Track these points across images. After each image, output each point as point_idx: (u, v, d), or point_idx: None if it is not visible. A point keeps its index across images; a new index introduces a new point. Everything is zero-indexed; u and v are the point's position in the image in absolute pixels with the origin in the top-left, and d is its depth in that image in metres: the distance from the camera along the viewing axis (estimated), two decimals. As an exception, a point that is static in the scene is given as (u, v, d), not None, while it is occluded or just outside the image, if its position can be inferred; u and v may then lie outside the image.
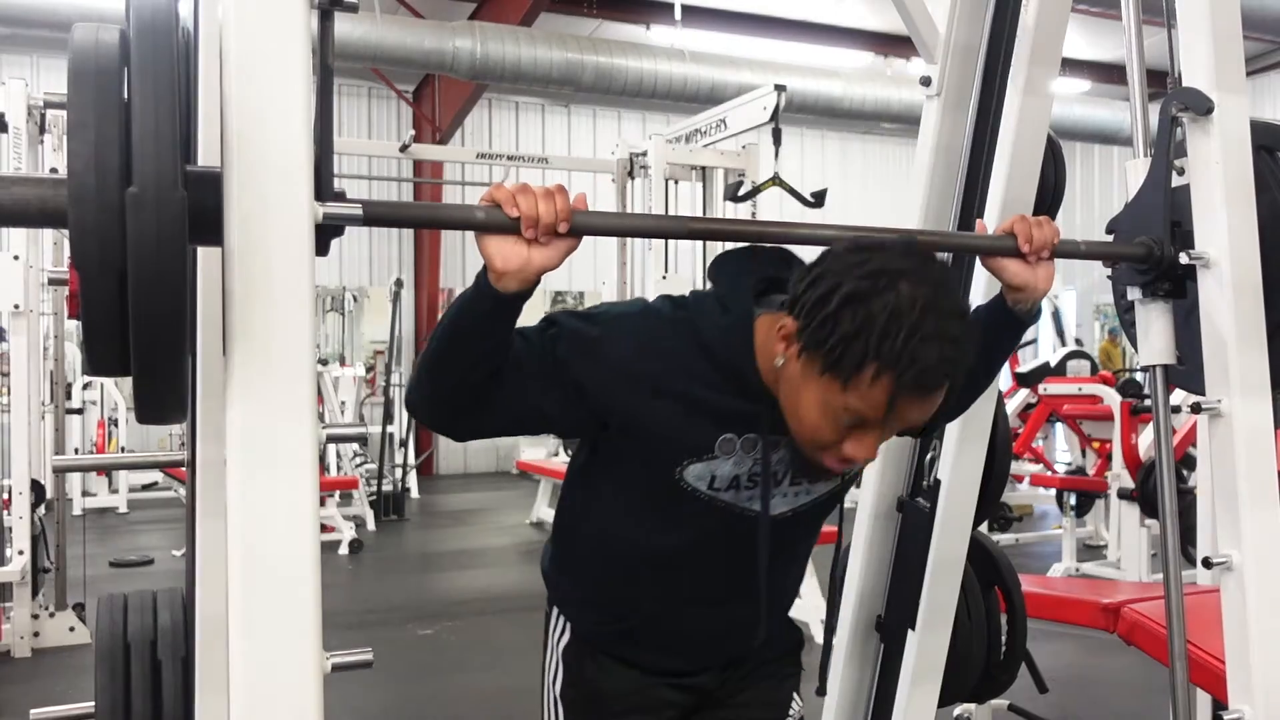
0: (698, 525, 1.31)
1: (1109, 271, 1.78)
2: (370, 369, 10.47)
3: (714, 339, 1.25)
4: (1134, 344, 1.73)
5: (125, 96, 0.86)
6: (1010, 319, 1.41)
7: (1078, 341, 9.59)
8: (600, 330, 1.23)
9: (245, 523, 0.94)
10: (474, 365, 1.16)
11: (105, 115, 0.85)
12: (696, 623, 1.39)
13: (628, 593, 1.38)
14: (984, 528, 2.75)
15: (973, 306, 1.45)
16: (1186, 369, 1.71)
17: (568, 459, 7.96)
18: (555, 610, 1.47)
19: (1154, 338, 1.67)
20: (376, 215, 1.09)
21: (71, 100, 0.85)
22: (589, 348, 1.21)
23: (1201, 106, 1.60)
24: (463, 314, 1.15)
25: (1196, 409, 1.64)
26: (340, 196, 1.05)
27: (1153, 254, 1.60)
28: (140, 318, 0.85)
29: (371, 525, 7.61)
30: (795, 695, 1.53)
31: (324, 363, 9.12)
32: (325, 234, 1.01)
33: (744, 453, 1.26)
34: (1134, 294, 1.67)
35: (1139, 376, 7.30)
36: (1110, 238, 1.74)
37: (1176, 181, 1.67)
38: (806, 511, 1.36)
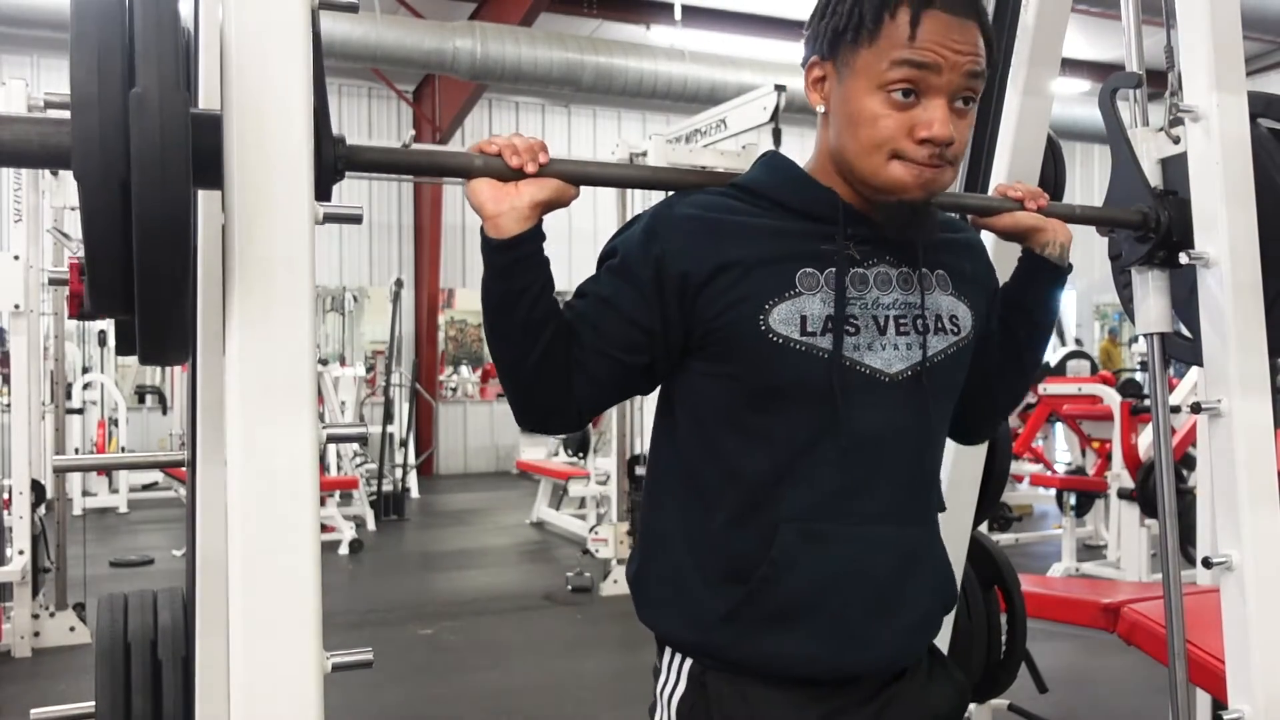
0: (805, 397, 1.15)
1: (1109, 266, 1.78)
2: (370, 369, 10.47)
3: (758, 177, 1.22)
4: (1133, 319, 1.74)
5: (126, 23, 0.87)
6: (1045, 265, 1.33)
7: (1078, 341, 9.63)
8: (649, 221, 1.19)
9: (245, 523, 0.94)
10: (534, 326, 1.12)
11: (107, 27, 0.85)
12: (841, 558, 1.16)
13: (758, 536, 1.16)
14: (984, 528, 2.75)
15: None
16: (1191, 343, 1.72)
17: (568, 459, 7.97)
18: (669, 652, 1.22)
19: (1150, 306, 1.68)
20: (374, 160, 1.12)
21: (74, 16, 0.85)
22: (648, 236, 1.17)
23: (1131, 81, 1.70)
24: (491, 286, 1.13)
25: (1196, 409, 1.65)
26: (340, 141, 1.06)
27: (1148, 219, 1.60)
28: (144, 225, 0.84)
29: (371, 525, 7.61)
30: None
31: (324, 363, 9.13)
32: (326, 172, 1.03)
33: (830, 289, 1.15)
34: (1131, 255, 1.67)
35: (1139, 376, 7.31)
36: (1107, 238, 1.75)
37: (1173, 151, 1.68)
38: (930, 374, 1.20)
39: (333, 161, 1.04)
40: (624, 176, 1.35)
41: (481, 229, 1.12)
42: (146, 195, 0.83)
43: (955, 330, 1.24)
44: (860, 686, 1.20)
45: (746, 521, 1.17)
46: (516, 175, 1.11)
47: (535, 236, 1.12)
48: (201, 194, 1.16)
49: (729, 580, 1.17)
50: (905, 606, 1.21)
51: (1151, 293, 1.68)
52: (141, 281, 0.87)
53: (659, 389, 1.25)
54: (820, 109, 1.21)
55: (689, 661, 1.20)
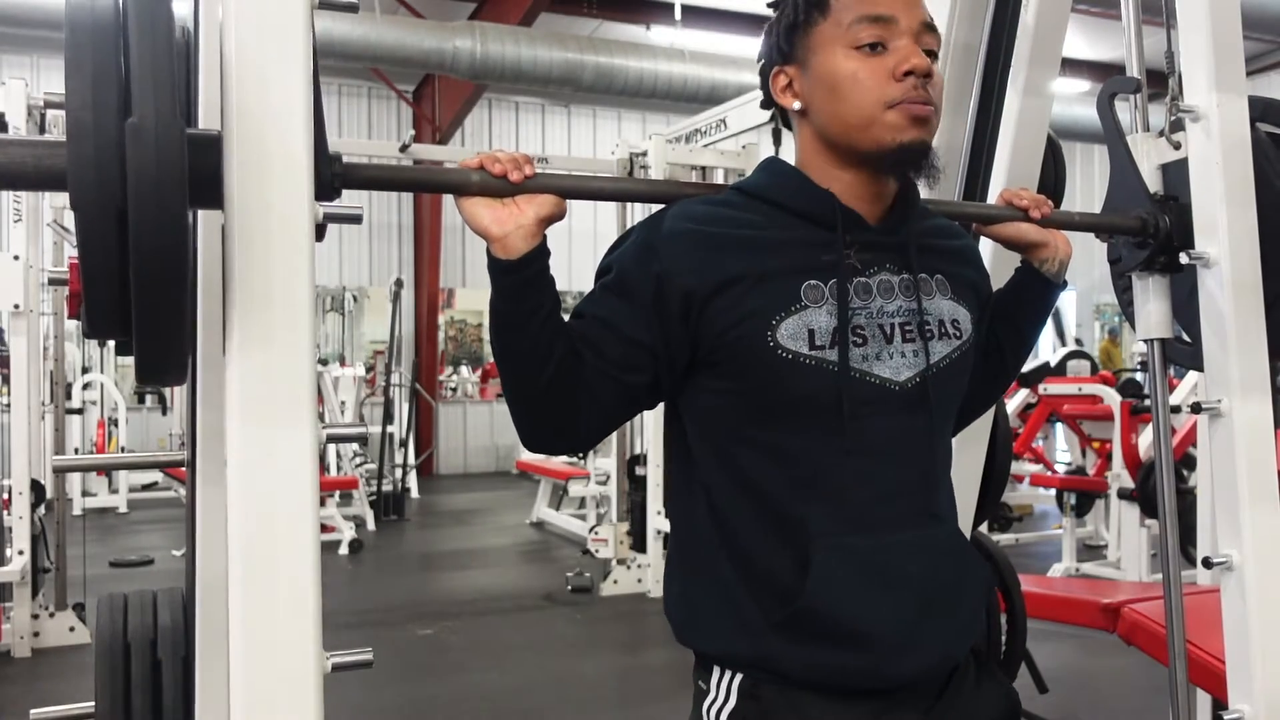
0: (817, 411, 1.15)
1: (1109, 269, 1.78)
2: (370, 369, 10.47)
3: (758, 180, 1.23)
4: (1134, 325, 1.74)
5: (121, 48, 0.87)
6: (1040, 281, 1.36)
7: (1078, 341, 9.61)
8: (643, 236, 1.18)
9: (245, 523, 0.94)
10: (545, 346, 1.11)
11: (102, 54, 0.85)
12: (877, 570, 1.16)
13: (791, 554, 1.15)
14: (984, 528, 2.76)
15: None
16: (1191, 348, 1.72)
17: (568, 459, 7.97)
18: (718, 670, 1.20)
19: (1151, 311, 1.68)
20: (371, 178, 1.11)
21: (68, 43, 0.85)
22: (645, 253, 1.16)
23: (1130, 86, 1.69)
24: (500, 309, 1.12)
25: (1196, 409, 1.65)
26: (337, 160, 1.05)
27: (1147, 225, 1.60)
28: (141, 254, 0.84)
29: (371, 525, 7.62)
30: None
31: (324, 363, 9.13)
32: (323, 190, 1.03)
33: (835, 300, 1.15)
34: (1131, 261, 1.67)
35: (1139, 376, 7.31)
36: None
37: (1173, 156, 1.68)
38: (935, 380, 1.20)
39: (329, 179, 1.03)
40: (610, 190, 1.34)
41: (488, 251, 1.11)
42: (143, 224, 0.83)
43: (958, 334, 1.25)
44: (914, 694, 1.20)
45: (777, 538, 1.17)
46: (506, 185, 1.11)
47: (543, 253, 1.12)
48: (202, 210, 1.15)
49: (772, 596, 1.16)
50: (944, 608, 1.21)
51: (1152, 298, 1.68)
52: (139, 307, 0.87)
53: (665, 404, 1.24)
54: (796, 107, 1.22)
55: (739, 677, 1.19)
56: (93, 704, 1.47)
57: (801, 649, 1.15)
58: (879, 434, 1.17)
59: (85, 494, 7.92)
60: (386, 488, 8.16)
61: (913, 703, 1.19)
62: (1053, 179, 2.05)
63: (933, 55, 1.18)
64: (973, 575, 1.27)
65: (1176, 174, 1.67)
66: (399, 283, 9.00)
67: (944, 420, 1.27)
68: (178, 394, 8.78)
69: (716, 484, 1.19)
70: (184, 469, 1.44)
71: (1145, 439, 5.37)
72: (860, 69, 1.15)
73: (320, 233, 1.00)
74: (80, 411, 7.88)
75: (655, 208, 1.24)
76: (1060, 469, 6.79)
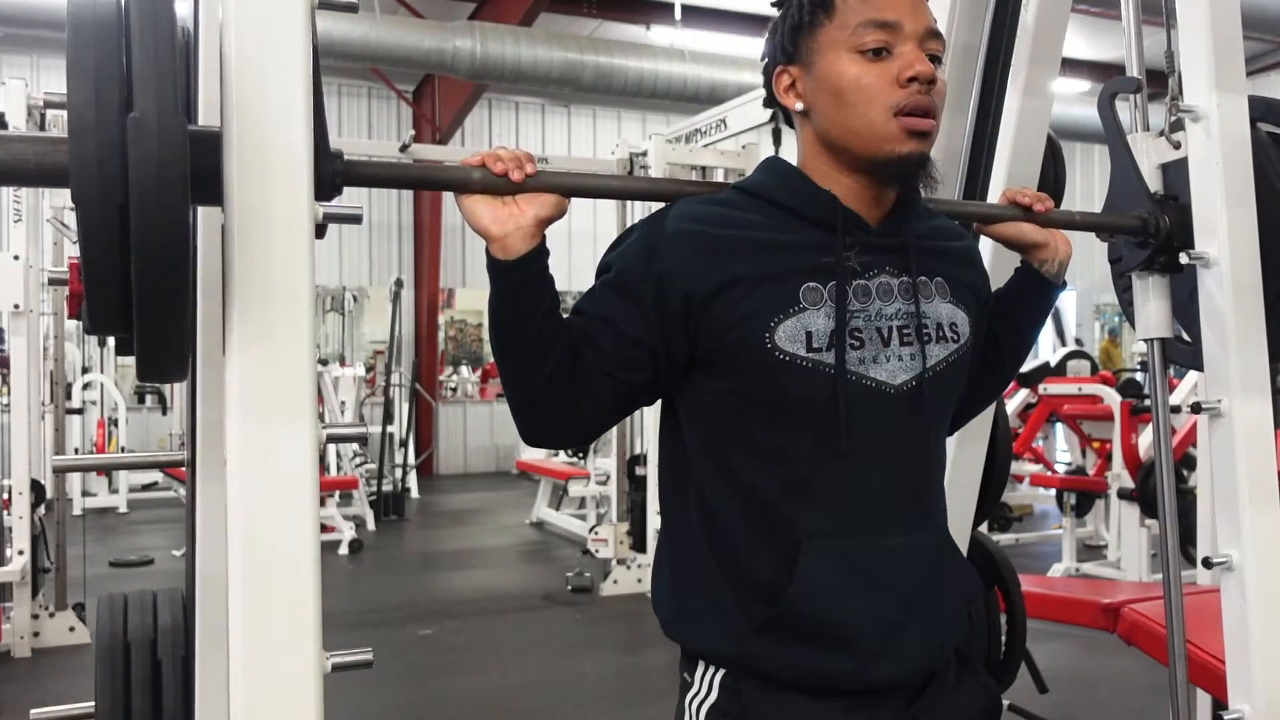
0: (813, 413, 1.15)
1: (1110, 268, 1.79)
2: (370, 369, 10.47)
3: (759, 180, 1.23)
4: (1134, 325, 1.74)
5: (123, 45, 0.87)
6: (1040, 281, 1.37)
7: (1078, 341, 9.62)
8: (645, 235, 1.18)
9: (245, 523, 0.94)
10: (544, 344, 1.12)
11: (104, 50, 0.85)
12: (865, 573, 1.16)
13: (781, 555, 1.16)
14: (984, 528, 2.76)
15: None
16: (1191, 348, 1.72)
17: (568, 459, 7.96)
18: (702, 665, 1.21)
19: (1151, 311, 1.68)
20: (372, 176, 1.11)
21: (71, 40, 0.85)
22: (646, 252, 1.16)
23: (1131, 85, 1.70)
24: (499, 309, 1.12)
25: (1196, 409, 1.65)
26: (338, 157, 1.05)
27: (1148, 225, 1.60)
28: (142, 248, 0.84)
29: (371, 525, 7.61)
30: None
31: (324, 363, 9.13)
32: (324, 188, 1.02)
33: (834, 303, 1.15)
34: (1131, 261, 1.67)
35: (1139, 376, 7.32)
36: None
37: (1173, 156, 1.68)
38: (930, 384, 1.20)
39: (330, 177, 1.03)
40: (612, 188, 1.34)
41: (487, 250, 1.12)
42: (145, 220, 0.83)
43: (955, 338, 1.25)
44: (894, 695, 1.20)
45: (766, 539, 1.17)
46: (508, 184, 1.11)
47: (543, 253, 1.12)
48: (202, 207, 1.15)
49: (758, 596, 1.17)
50: (930, 612, 1.21)
51: (1152, 298, 1.68)
52: (140, 303, 0.87)
53: (662, 401, 1.25)
54: (799, 107, 1.21)
55: (721, 672, 1.20)
56: (93, 704, 1.47)
57: (784, 650, 1.16)
58: (874, 437, 1.17)
59: (85, 494, 7.92)
60: (386, 488, 8.16)
61: (893, 700, 1.20)
62: (1053, 179, 2.05)
63: (937, 60, 1.18)
64: (958, 579, 1.28)
65: (1176, 174, 1.67)
66: (399, 283, 9.00)
67: (940, 423, 1.27)
68: (178, 394, 8.79)
69: (710, 483, 1.20)
70: (184, 469, 1.44)
71: (1145, 439, 5.37)
72: (864, 74, 1.15)
73: (320, 230, 1.00)
74: (80, 411, 7.87)
75: (656, 206, 1.24)
76: (1060, 469, 6.79)
